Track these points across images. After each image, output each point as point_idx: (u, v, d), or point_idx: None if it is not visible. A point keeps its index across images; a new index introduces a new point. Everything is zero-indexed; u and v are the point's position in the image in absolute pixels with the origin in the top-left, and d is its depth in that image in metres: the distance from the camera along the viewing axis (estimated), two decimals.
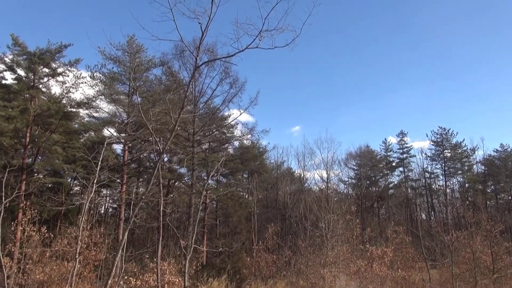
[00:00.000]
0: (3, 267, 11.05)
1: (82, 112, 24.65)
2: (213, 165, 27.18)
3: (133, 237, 30.86)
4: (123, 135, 24.59)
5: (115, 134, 25.11)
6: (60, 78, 23.17)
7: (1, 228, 11.22)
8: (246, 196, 39.60)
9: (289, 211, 36.99)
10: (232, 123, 29.27)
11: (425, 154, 50.48)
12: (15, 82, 22.41)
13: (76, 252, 11.24)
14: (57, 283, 15.73)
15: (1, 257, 10.86)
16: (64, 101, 22.61)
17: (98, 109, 24.62)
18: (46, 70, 22.74)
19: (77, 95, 23.95)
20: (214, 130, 28.95)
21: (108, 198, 37.69)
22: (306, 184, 46.97)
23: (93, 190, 11.47)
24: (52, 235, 16.93)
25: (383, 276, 20.22)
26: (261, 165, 41.03)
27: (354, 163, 52.47)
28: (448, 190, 48.63)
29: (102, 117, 25.51)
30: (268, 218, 38.31)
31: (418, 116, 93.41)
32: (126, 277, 15.86)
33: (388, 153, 53.28)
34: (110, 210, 39.32)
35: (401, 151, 51.75)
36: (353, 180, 52.20)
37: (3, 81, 22.99)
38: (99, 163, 11.15)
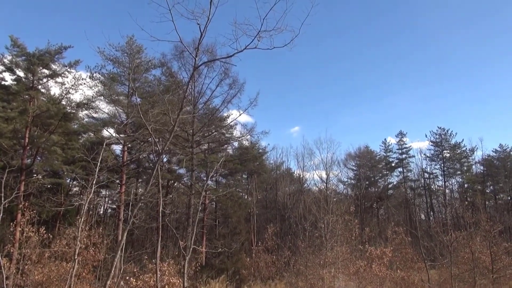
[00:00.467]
0: (2, 267, 11.03)
1: (82, 113, 24.65)
2: (213, 165, 27.19)
3: (132, 237, 30.84)
4: (122, 135, 24.59)
5: (114, 134, 25.12)
6: (59, 79, 23.16)
7: (0, 229, 11.23)
8: (246, 197, 39.62)
9: (288, 212, 37.01)
10: (232, 123, 29.34)
11: (424, 154, 50.65)
12: (14, 83, 22.39)
13: (75, 252, 11.23)
14: (56, 284, 15.72)
15: (0, 258, 10.85)
16: (64, 102, 22.60)
17: (97, 110, 24.65)
18: (46, 71, 22.72)
19: (76, 96, 24.01)
20: (213, 131, 28.97)
21: (107, 199, 37.67)
22: (306, 184, 47.04)
23: (92, 191, 11.47)
24: (51, 236, 16.92)
25: (382, 277, 20.24)
26: (261, 165, 41.04)
27: (354, 164, 52.53)
28: (447, 191, 48.76)
29: (101, 118, 25.53)
30: (268, 219, 38.31)
31: (417, 117, 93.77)
32: (127, 278, 15.87)
33: (388, 154, 53.34)
34: (109, 210, 39.30)
35: (400, 151, 51.84)
36: (352, 181, 52.28)
37: (2, 82, 22.98)
38: (98, 163, 11.15)
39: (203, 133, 27.79)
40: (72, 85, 22.48)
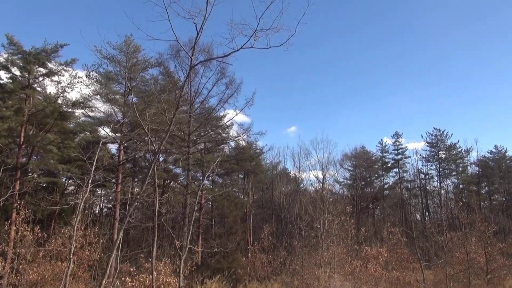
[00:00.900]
0: None
1: (78, 111, 24.55)
2: (209, 165, 27.18)
3: (128, 237, 30.75)
4: (118, 134, 24.52)
5: (110, 134, 25.04)
6: (55, 78, 23.05)
7: None
8: (242, 197, 39.60)
9: (284, 212, 37.02)
10: (228, 123, 29.32)
11: (420, 155, 50.85)
12: (10, 81, 22.27)
13: (70, 252, 11.20)
14: (50, 283, 15.66)
15: None
16: (60, 101, 22.50)
17: (93, 109, 24.56)
18: (42, 69, 22.61)
19: (72, 95, 23.85)
20: (209, 131, 28.94)
21: (103, 198, 37.54)
22: (302, 184, 47.09)
23: (88, 190, 11.44)
24: (46, 235, 16.85)
25: (377, 277, 20.30)
26: (257, 165, 41.04)
27: (350, 164, 52.63)
28: (442, 191, 49.00)
29: (97, 117, 25.44)
30: (264, 219, 38.30)
31: (413, 118, 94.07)
32: (122, 278, 15.81)
33: (384, 154, 53.48)
34: (105, 210, 39.15)
35: (396, 152, 51.98)
36: (348, 181, 52.38)
37: None
38: (94, 162, 11.12)
39: (200, 133, 27.75)
40: (68, 84, 22.39)
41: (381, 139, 54.74)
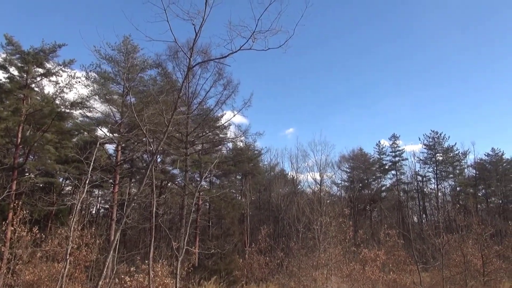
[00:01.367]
0: None
1: (75, 112, 24.49)
2: (206, 166, 27.16)
3: (125, 238, 30.72)
4: (116, 135, 24.48)
5: (108, 134, 24.99)
6: (53, 78, 23.00)
7: None
8: (239, 198, 39.57)
9: (282, 213, 37.03)
10: (226, 124, 29.30)
11: (418, 157, 50.94)
12: (8, 81, 22.21)
13: (66, 252, 11.16)
14: (47, 284, 15.60)
15: None
16: (57, 101, 22.45)
17: (91, 109, 24.50)
18: (40, 69, 22.57)
19: (70, 95, 23.81)
20: (207, 132, 28.92)
21: (100, 199, 37.47)
22: (299, 186, 47.12)
23: (85, 191, 11.41)
24: (42, 235, 16.80)
25: (374, 279, 20.31)
26: (255, 167, 41.04)
27: (347, 166, 52.73)
28: (439, 194, 49.07)
29: (95, 117, 25.39)
30: (261, 220, 38.28)
31: (411, 121, 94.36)
32: (119, 278, 15.77)
33: (381, 156, 53.56)
34: (102, 210, 39.07)
35: (393, 154, 52.06)
36: (346, 183, 52.44)
37: None
38: (92, 163, 11.09)
39: (197, 134, 27.74)
40: (66, 84, 22.35)
41: (379, 141, 54.84)
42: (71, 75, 22.44)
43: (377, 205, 49.18)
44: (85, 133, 26.86)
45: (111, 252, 9.09)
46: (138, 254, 19.90)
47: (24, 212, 16.51)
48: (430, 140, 49.91)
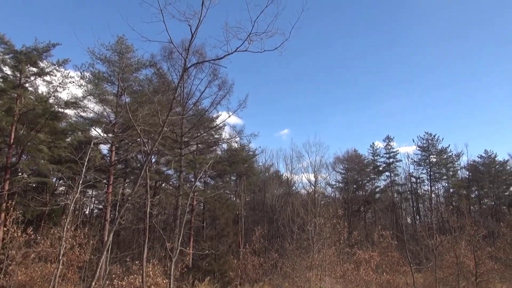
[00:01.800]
0: None
1: (69, 112, 24.34)
2: (201, 167, 27.12)
3: (119, 238, 30.56)
4: (110, 135, 24.36)
5: (102, 134, 24.86)
6: (47, 78, 22.84)
7: None
8: (234, 199, 39.53)
9: (276, 214, 37.04)
10: (221, 125, 29.26)
11: (411, 159, 51.15)
12: (1, 80, 22.03)
13: (59, 253, 11.10)
14: (39, 285, 15.50)
15: None
16: (51, 101, 22.30)
17: (85, 109, 24.35)
18: (33, 69, 22.40)
19: (63, 95, 23.61)
20: (202, 132, 28.87)
21: (93, 199, 37.23)
22: (294, 187, 47.17)
23: (79, 191, 11.36)
24: (36, 236, 16.68)
25: (368, 280, 20.40)
26: (249, 167, 41.01)
27: (342, 167, 52.85)
28: (433, 195, 49.30)
29: (89, 117, 25.24)
30: (256, 221, 38.27)
31: (405, 123, 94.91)
32: (110, 280, 15.69)
33: (375, 158, 53.73)
34: (96, 211, 38.84)
35: (387, 155, 52.26)
36: (340, 184, 52.54)
37: None
38: (86, 163, 11.04)
39: (192, 134, 27.68)
40: (60, 83, 22.20)
41: (372, 143, 54.99)
42: (65, 75, 22.31)
43: (371, 206, 49.36)
44: (79, 133, 26.70)
45: (105, 252, 9.05)
46: (132, 254, 19.81)
47: (17, 212, 16.39)
48: (424, 142, 50.18)
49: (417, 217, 50.21)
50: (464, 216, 23.94)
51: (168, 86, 24.82)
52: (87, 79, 23.57)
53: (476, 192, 49.94)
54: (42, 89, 23.66)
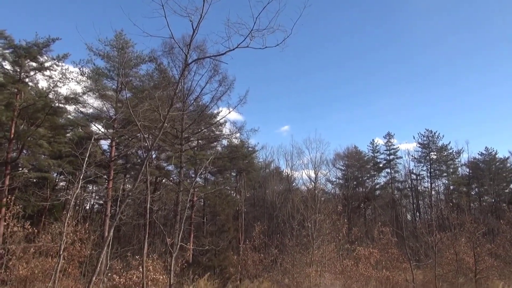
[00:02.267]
0: None
1: (69, 107, 24.34)
2: (201, 163, 27.10)
3: (119, 234, 30.63)
4: (110, 131, 24.35)
5: (102, 129, 24.86)
6: (47, 73, 22.81)
7: None
8: (234, 195, 39.55)
9: (276, 210, 37.06)
10: (221, 121, 29.22)
11: (412, 156, 51.14)
12: (1, 75, 21.99)
13: (60, 248, 11.13)
14: (40, 280, 15.55)
15: None
16: (51, 96, 22.27)
17: (85, 105, 24.35)
18: (33, 64, 22.36)
19: (63, 90, 23.56)
20: (202, 128, 28.84)
21: (94, 194, 37.29)
22: (294, 183, 47.18)
23: (79, 186, 11.37)
24: (36, 231, 16.71)
25: (367, 276, 20.44)
26: (250, 164, 40.99)
27: (342, 164, 52.82)
28: (433, 192, 49.30)
29: (89, 113, 25.22)
30: (256, 217, 38.33)
31: (405, 119, 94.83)
32: (109, 274, 15.75)
33: (375, 154, 53.71)
34: (96, 206, 38.89)
35: (388, 152, 52.24)
36: (340, 181, 52.54)
37: None
38: (86, 158, 11.05)
39: (193, 130, 27.65)
40: (60, 79, 22.17)
41: (372, 139, 54.93)
42: (64, 71, 22.28)
43: (371, 203, 49.42)
44: (79, 128, 26.70)
45: (105, 248, 9.07)
46: (132, 250, 19.85)
47: (18, 207, 16.42)
48: (425, 138, 50.11)
49: (417, 214, 50.32)
50: (464, 213, 23.95)
51: (168, 82, 24.76)
52: (87, 75, 23.53)
53: (476, 189, 49.96)
54: (42, 84, 23.66)
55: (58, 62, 22.43)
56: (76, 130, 27.36)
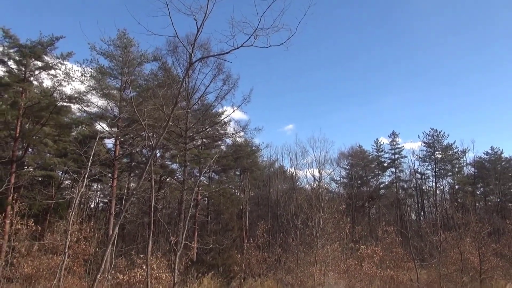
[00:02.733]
0: None
1: (73, 106, 24.43)
2: (206, 161, 27.16)
3: (124, 232, 30.76)
4: (115, 129, 24.42)
5: (106, 128, 24.93)
6: (51, 72, 22.91)
7: None
8: (238, 194, 39.58)
9: (280, 209, 37.03)
10: (226, 120, 29.22)
11: (417, 155, 50.89)
12: (6, 74, 22.12)
13: (65, 246, 11.19)
14: (45, 277, 15.65)
15: None
16: (56, 95, 22.37)
17: (89, 103, 24.43)
18: (38, 63, 22.47)
19: (67, 89, 23.67)
20: (207, 127, 28.87)
21: (99, 193, 37.49)
22: (298, 182, 47.11)
23: (84, 184, 11.42)
24: (40, 229, 16.82)
25: (371, 275, 20.39)
26: (254, 162, 41.00)
27: (346, 163, 52.68)
28: (438, 192, 49.07)
29: (93, 112, 25.31)
30: (260, 216, 38.28)
31: (410, 119, 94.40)
32: (114, 272, 15.82)
33: (380, 153, 53.53)
34: (101, 204, 39.08)
35: (392, 151, 52.04)
36: (344, 180, 52.44)
37: None
38: (91, 157, 11.09)
39: (197, 129, 27.69)
40: (64, 77, 22.27)
41: (377, 139, 54.70)
42: (68, 70, 22.37)
43: (376, 202, 49.26)
44: (84, 127, 26.81)
45: (110, 246, 9.11)
46: (137, 248, 19.90)
47: (23, 205, 16.52)
48: (430, 138, 49.83)
49: (422, 213, 50.06)
50: (469, 212, 23.82)
51: (173, 80, 24.80)
52: (90, 75, 23.61)
53: (482, 189, 49.67)
54: (47, 82, 23.77)
55: (63, 61, 22.54)
56: (80, 128, 27.49)
